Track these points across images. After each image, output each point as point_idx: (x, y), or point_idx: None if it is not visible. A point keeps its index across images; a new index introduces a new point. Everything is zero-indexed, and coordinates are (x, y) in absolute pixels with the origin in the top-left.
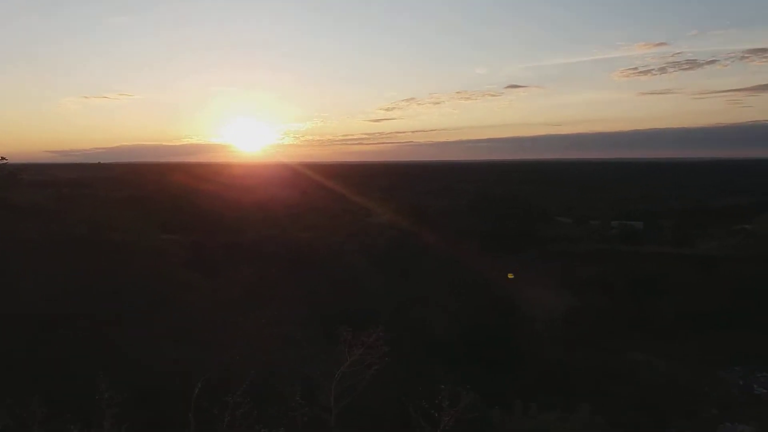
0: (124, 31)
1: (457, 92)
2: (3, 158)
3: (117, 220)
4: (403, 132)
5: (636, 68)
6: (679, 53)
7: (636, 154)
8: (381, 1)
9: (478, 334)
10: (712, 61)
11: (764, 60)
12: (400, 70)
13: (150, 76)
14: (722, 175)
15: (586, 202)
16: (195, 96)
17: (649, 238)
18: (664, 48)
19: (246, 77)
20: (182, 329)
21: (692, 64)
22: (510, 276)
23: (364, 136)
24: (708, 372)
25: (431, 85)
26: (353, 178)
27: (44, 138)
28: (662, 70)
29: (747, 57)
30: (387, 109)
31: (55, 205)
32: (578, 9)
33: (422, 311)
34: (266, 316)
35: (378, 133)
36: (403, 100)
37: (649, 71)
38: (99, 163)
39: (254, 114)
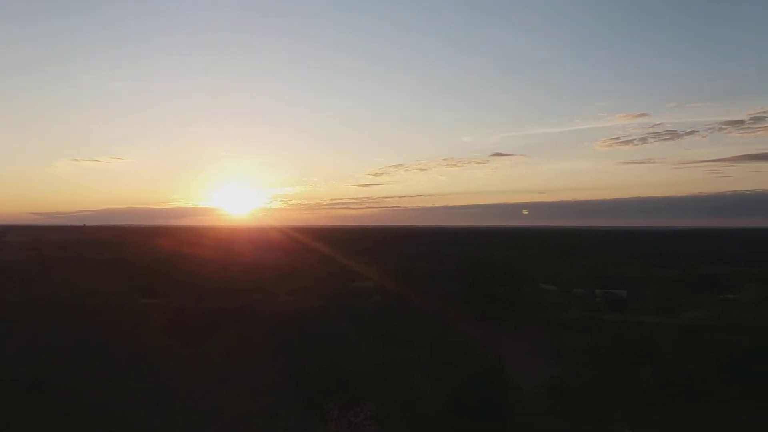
0: (120, 97)
1: (444, 159)
2: None
3: (98, 284)
4: (391, 197)
5: (618, 138)
6: (659, 124)
7: (618, 222)
8: (371, 71)
9: (465, 403)
10: (692, 132)
11: (741, 131)
12: (388, 136)
13: (143, 140)
14: (703, 244)
15: (569, 269)
16: (186, 160)
17: (632, 306)
18: (645, 119)
19: (237, 142)
20: (162, 397)
21: (672, 134)
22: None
23: (351, 201)
24: None
25: (419, 152)
26: (340, 241)
27: (31, 199)
28: (643, 140)
29: (725, 128)
30: (375, 175)
31: (38, 268)
32: (561, 81)
33: (409, 379)
34: (247, 385)
35: (366, 197)
36: (391, 166)
37: (630, 141)
38: (84, 225)
39: (243, 178)
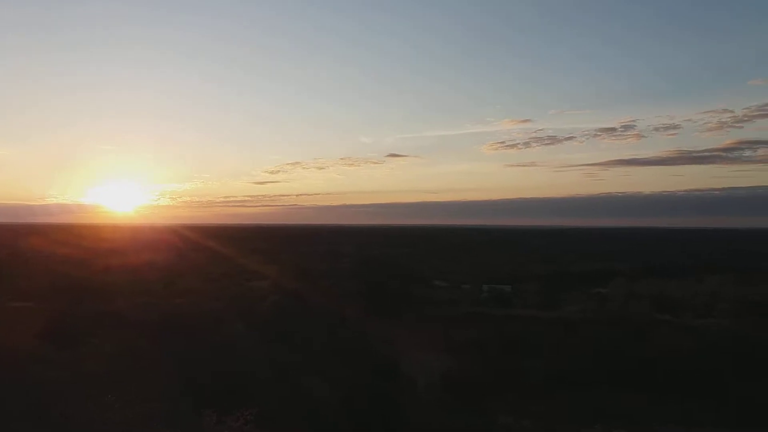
0: None
1: (342, 158)
2: None
3: None
4: (288, 195)
5: (504, 142)
6: (541, 129)
7: (504, 222)
8: (269, 66)
9: (360, 400)
10: (570, 138)
11: (613, 138)
12: (286, 134)
13: (16, 134)
14: (580, 242)
15: (459, 266)
16: (64, 155)
17: (516, 301)
18: (529, 124)
19: (121, 137)
20: (36, 407)
21: (553, 139)
22: None
23: (247, 198)
24: (572, 431)
25: (317, 150)
26: (235, 240)
27: None
28: (527, 144)
29: (599, 135)
30: (271, 172)
31: None
32: (454, 86)
33: (304, 378)
34: (129, 392)
35: (262, 195)
36: (288, 164)
37: (515, 145)
38: None
39: (128, 174)
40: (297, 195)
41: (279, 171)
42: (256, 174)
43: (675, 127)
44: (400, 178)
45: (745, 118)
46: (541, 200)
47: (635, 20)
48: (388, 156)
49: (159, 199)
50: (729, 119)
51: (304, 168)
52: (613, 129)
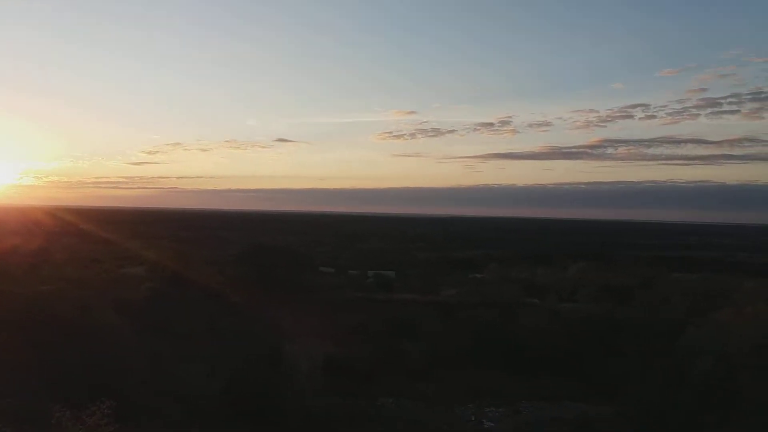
0: None
1: (227, 141)
2: None
3: None
4: (167, 177)
5: (391, 132)
6: (426, 122)
7: (390, 209)
8: (148, 40)
9: (240, 389)
10: (452, 131)
11: (491, 132)
12: (166, 112)
13: None
14: (460, 230)
15: (346, 252)
16: None
17: (399, 286)
18: (414, 116)
19: None
20: None
21: (437, 132)
22: None
23: (121, 180)
24: (447, 410)
25: (199, 131)
26: (108, 224)
27: None
28: (412, 135)
29: (478, 129)
30: (149, 153)
31: None
32: (343, 75)
33: (182, 368)
34: None
35: (138, 177)
36: (167, 144)
37: (401, 136)
38: None
39: None
40: (177, 178)
41: (157, 152)
42: (131, 154)
43: (547, 124)
44: (289, 164)
45: (608, 119)
46: (425, 189)
47: (514, 22)
48: (276, 140)
49: (22, 178)
50: (595, 119)
51: (185, 149)
52: (492, 124)
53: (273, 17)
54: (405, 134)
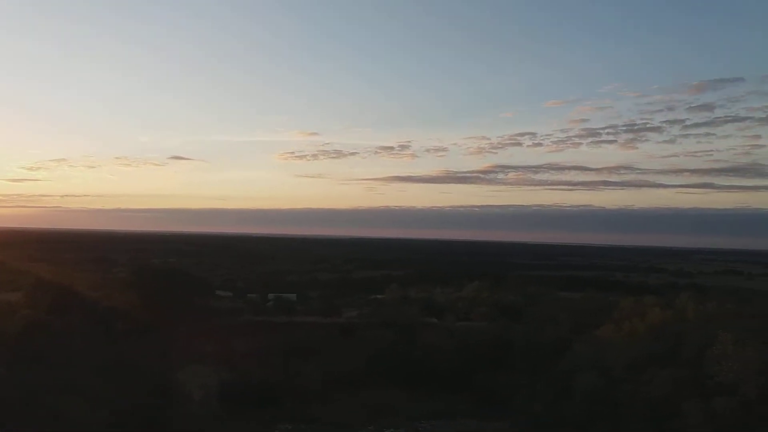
0: None
1: (117, 158)
2: None
3: None
4: (51, 195)
5: (293, 153)
6: (328, 143)
7: (292, 231)
8: (31, 50)
9: (128, 420)
10: (354, 153)
11: (392, 156)
12: (49, 125)
13: None
14: (361, 251)
15: (245, 275)
16: None
17: (301, 308)
18: (317, 138)
19: None
20: None
21: (339, 154)
22: None
23: None
24: None
25: (87, 147)
26: None
27: None
28: (315, 156)
29: (379, 152)
30: (30, 169)
31: None
32: (244, 93)
33: (61, 400)
34: None
35: (17, 195)
36: (51, 160)
37: (304, 156)
38: None
39: None
40: (62, 196)
41: (40, 168)
42: (9, 170)
43: (443, 149)
44: (184, 183)
45: (499, 145)
46: (327, 211)
47: (413, 51)
48: (171, 158)
49: None
50: (487, 145)
51: (70, 166)
52: (392, 147)
53: (169, 27)
54: (307, 155)
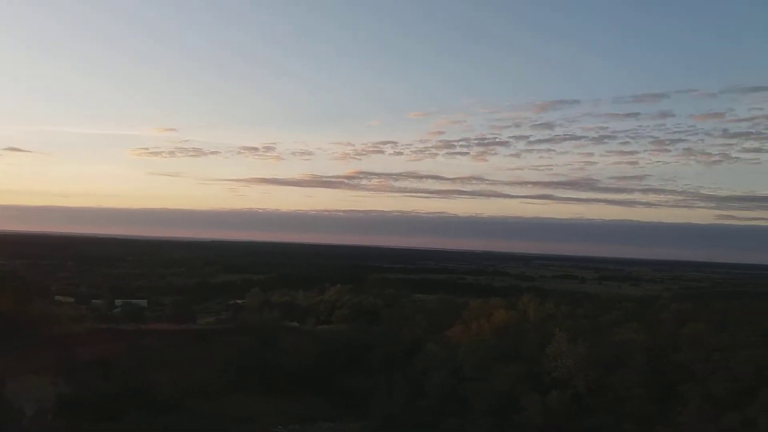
0: None
1: None
2: None
3: None
4: None
5: (148, 148)
6: (187, 141)
7: (145, 232)
8: None
9: None
10: (216, 152)
11: (256, 157)
12: None
13: None
14: (223, 255)
15: (90, 279)
16: None
17: (152, 315)
18: (175, 134)
19: None
20: None
21: (198, 152)
22: None
23: None
24: None
25: None
26: None
27: None
28: (172, 153)
29: (243, 152)
30: None
31: None
32: (95, 79)
33: None
34: None
35: None
36: None
37: (160, 153)
38: None
39: None
40: None
41: None
42: None
43: (309, 153)
44: (21, 177)
45: (364, 152)
46: (185, 212)
47: (284, 47)
48: (6, 149)
49: None
50: (351, 151)
51: None
52: (256, 149)
53: (7, 3)
54: (164, 152)
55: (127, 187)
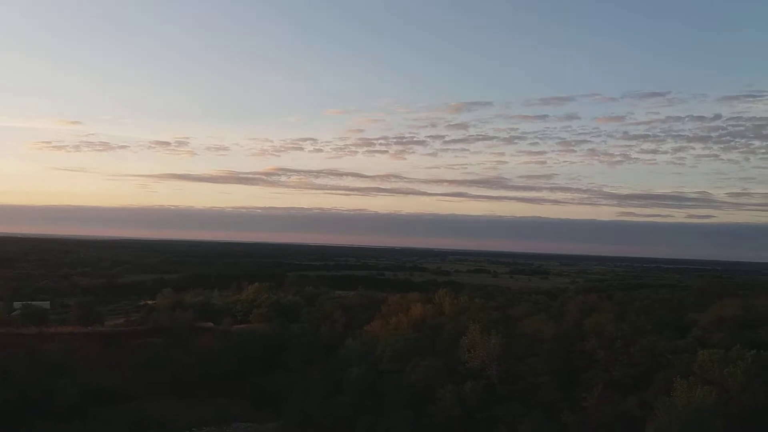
0: None
1: None
2: None
3: None
4: None
5: (50, 142)
6: (93, 134)
7: (48, 230)
8: None
9: None
10: (124, 147)
11: (168, 152)
12: None
13: None
14: (132, 254)
15: None
16: None
17: (55, 317)
18: (79, 127)
19: None
20: None
21: (106, 146)
22: None
23: None
24: None
25: None
26: None
27: None
28: (77, 148)
29: (154, 147)
30: None
31: None
32: None
33: None
34: None
35: None
36: None
37: (63, 147)
38: None
39: None
40: None
41: None
42: None
43: (225, 148)
44: None
45: (282, 149)
46: (91, 209)
47: (196, 39)
48: None
49: None
50: (269, 147)
51: None
52: (168, 143)
53: None
54: (68, 146)
55: (26, 183)
